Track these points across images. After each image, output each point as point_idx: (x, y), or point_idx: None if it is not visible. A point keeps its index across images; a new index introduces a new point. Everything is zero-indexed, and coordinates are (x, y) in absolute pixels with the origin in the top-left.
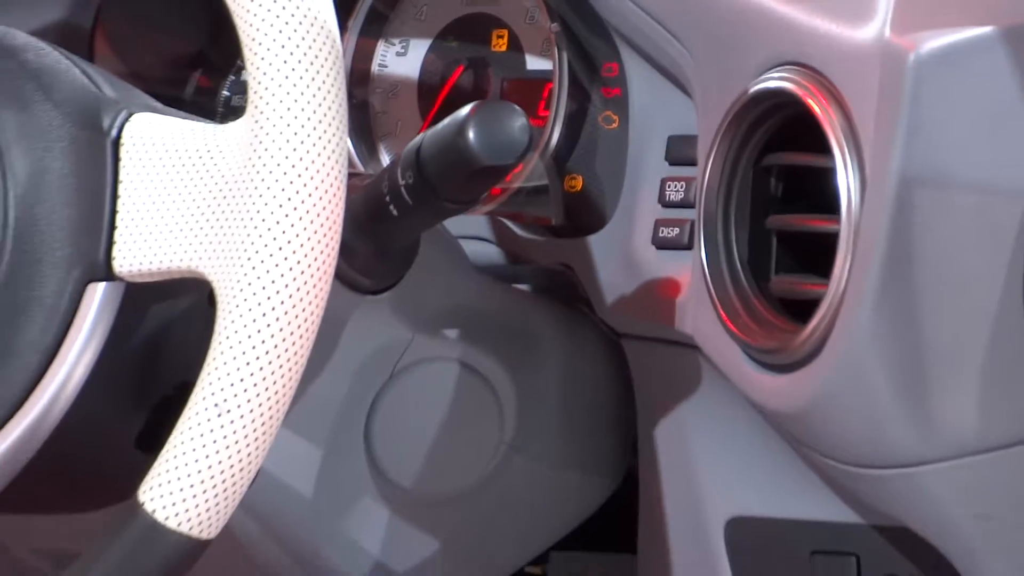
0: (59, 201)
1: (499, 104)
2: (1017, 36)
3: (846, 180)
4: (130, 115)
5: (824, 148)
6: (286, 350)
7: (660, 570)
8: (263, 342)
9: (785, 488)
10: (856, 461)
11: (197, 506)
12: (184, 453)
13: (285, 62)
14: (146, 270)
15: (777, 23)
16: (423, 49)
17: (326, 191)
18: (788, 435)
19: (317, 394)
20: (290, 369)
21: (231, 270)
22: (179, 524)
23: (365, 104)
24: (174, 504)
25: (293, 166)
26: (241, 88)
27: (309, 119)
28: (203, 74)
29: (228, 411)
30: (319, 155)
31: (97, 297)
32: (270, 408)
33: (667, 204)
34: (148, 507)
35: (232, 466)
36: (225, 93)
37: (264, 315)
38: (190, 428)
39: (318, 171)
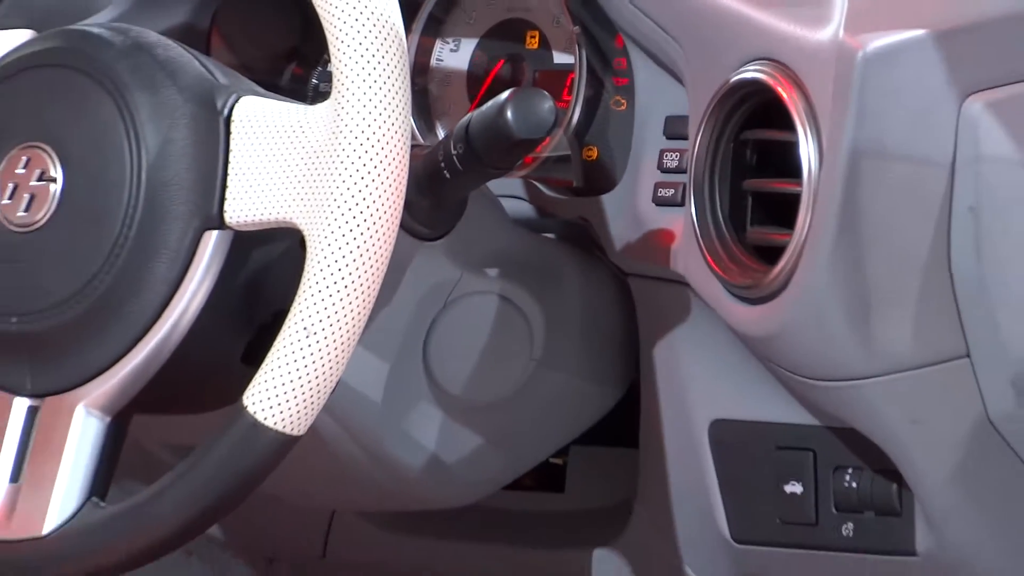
0: (182, 166)
1: (531, 90)
2: (943, 38)
3: (807, 152)
4: (239, 98)
5: (790, 126)
6: (361, 284)
7: (657, 462)
8: (343, 278)
9: (757, 396)
10: (813, 375)
11: (289, 409)
12: (279, 366)
13: (362, 56)
14: (250, 220)
15: (753, 26)
16: (471, 46)
17: (393, 158)
18: (760, 354)
19: (385, 320)
20: (363, 299)
21: (319, 220)
22: (275, 423)
23: (425, 90)
24: (271, 407)
25: (368, 139)
26: (327, 77)
27: (380, 102)
28: (297, 65)
29: (315, 332)
30: (388, 131)
31: (211, 243)
32: (347, 330)
33: (664, 170)
34: (250, 409)
35: (317, 376)
36: (314, 81)
37: (344, 256)
38: (284, 346)
39: (387, 143)
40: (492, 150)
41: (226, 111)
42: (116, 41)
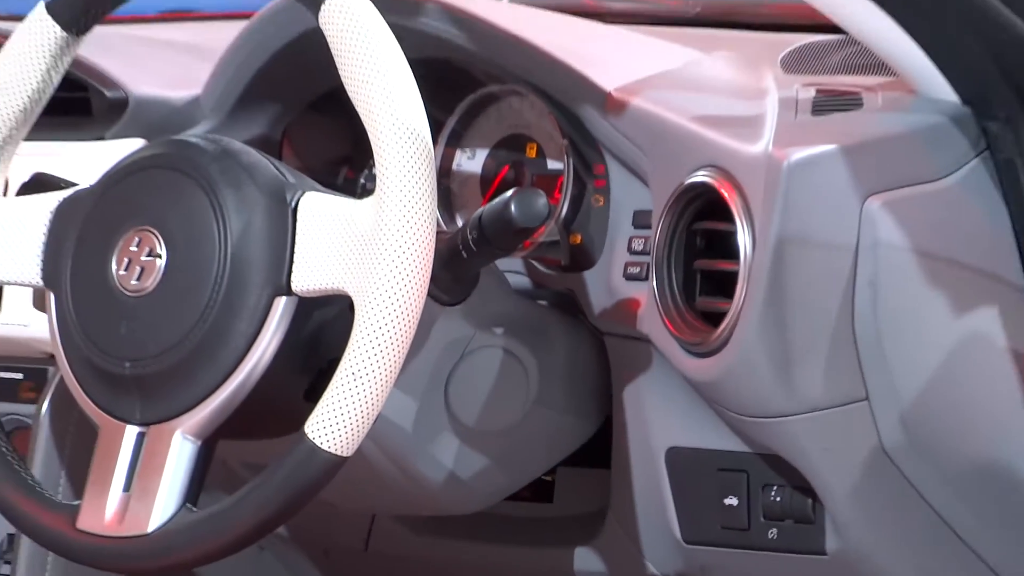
0: (258, 247)
1: (530, 189)
2: (848, 152)
3: (743, 239)
4: (303, 193)
5: (730, 219)
6: (397, 339)
7: (625, 479)
8: (383, 334)
9: (703, 429)
10: (747, 413)
11: (340, 436)
12: (333, 403)
13: (400, 163)
14: (311, 289)
15: (702, 141)
16: (484, 155)
17: (422, 243)
18: (705, 396)
19: (415, 367)
20: (399, 351)
21: (365, 289)
22: (329, 447)
23: (448, 189)
24: (326, 435)
25: (403, 227)
26: (372, 178)
27: (413, 199)
28: (349, 169)
29: (361, 377)
30: (419, 221)
31: (281, 306)
32: (386, 375)
33: (632, 252)
34: (310, 436)
35: (362, 411)
36: (362, 181)
37: (384, 318)
38: (337, 387)
39: (418, 231)
40: (499, 236)
41: (293, 203)
42: (209, 148)
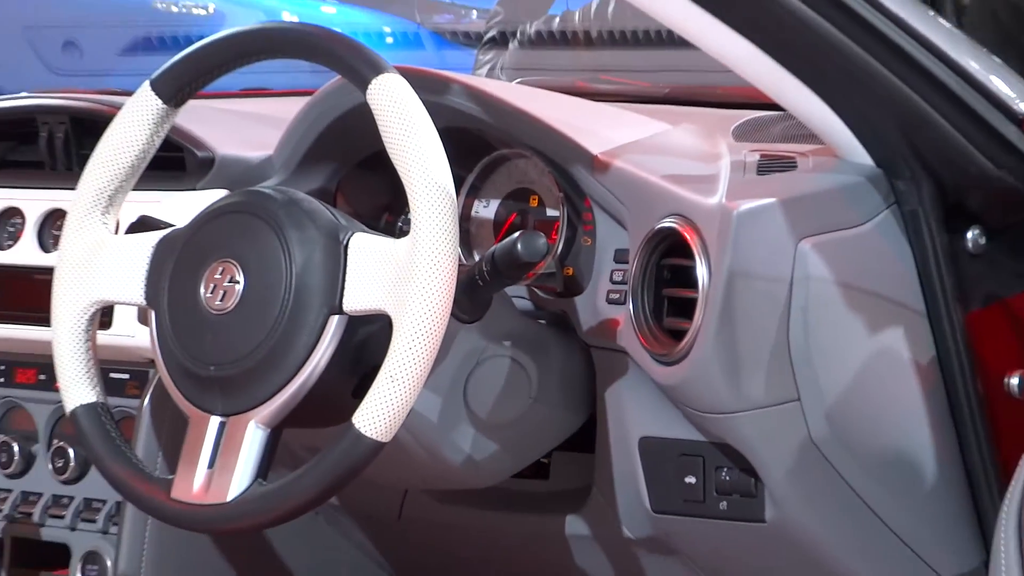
0: (317, 275)
1: (533, 232)
2: (785, 204)
3: (701, 272)
4: (353, 233)
5: (691, 256)
6: (426, 350)
7: (606, 461)
8: (415, 346)
9: (669, 422)
10: (703, 410)
11: (381, 426)
12: (375, 399)
13: (429, 211)
14: (359, 309)
15: (669, 194)
16: (496, 204)
17: (446, 274)
18: (670, 396)
19: (440, 371)
20: (427, 359)
21: (401, 310)
22: (372, 434)
23: (467, 231)
24: (370, 424)
25: (432, 262)
26: (407, 222)
27: (440, 240)
28: (389, 214)
29: (398, 379)
30: (443, 257)
31: (334, 323)
32: (418, 378)
33: (613, 282)
34: (356, 425)
35: (398, 406)
36: (399, 224)
37: (416, 333)
38: (378, 387)
39: (443, 265)
40: (508, 268)
41: (345, 241)
42: (278, 197)
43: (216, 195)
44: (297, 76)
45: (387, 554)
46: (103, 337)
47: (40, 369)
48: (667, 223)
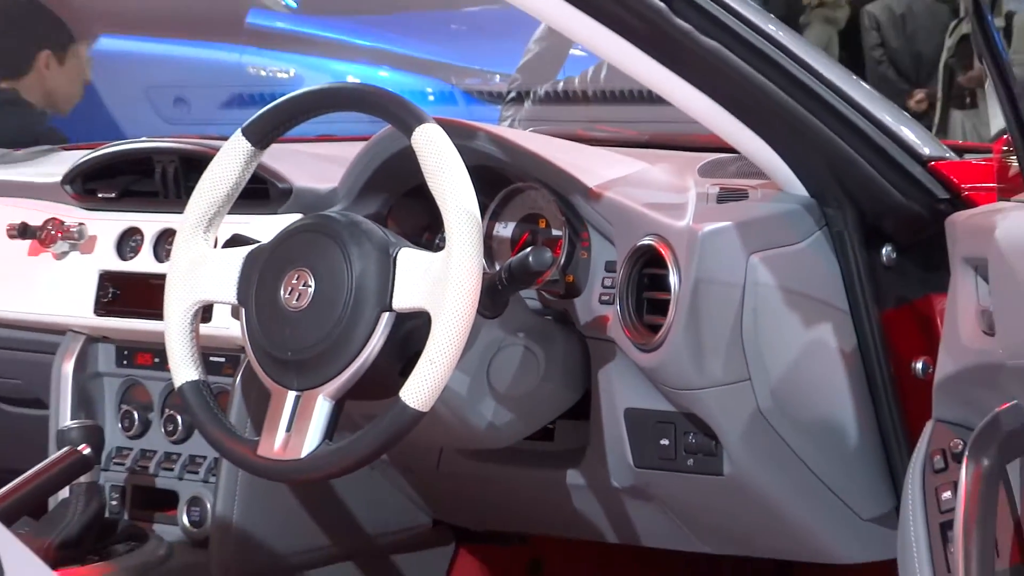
0: (372, 281)
1: (541, 248)
2: (740, 226)
3: (673, 280)
4: (400, 249)
5: (665, 267)
6: (457, 339)
7: (598, 427)
8: (449, 336)
9: (648, 396)
10: (675, 387)
11: (422, 398)
12: (417, 378)
13: (460, 232)
14: (405, 307)
15: (649, 219)
16: (512, 226)
17: (473, 281)
18: (649, 376)
19: (468, 356)
20: (458, 347)
21: (438, 308)
22: (415, 405)
23: (490, 247)
24: (413, 397)
25: (462, 271)
26: (443, 239)
27: (468, 254)
28: (428, 233)
29: (436, 363)
30: (471, 268)
31: (385, 318)
32: (451, 361)
33: (604, 287)
34: (403, 398)
35: (436, 383)
36: (436, 241)
37: (450, 326)
38: (420, 369)
39: (471, 274)
40: (521, 276)
41: (394, 255)
42: (342, 219)
43: (293, 218)
44: (357, 125)
45: (427, 499)
46: (204, 329)
47: (155, 354)
48: (646, 241)
